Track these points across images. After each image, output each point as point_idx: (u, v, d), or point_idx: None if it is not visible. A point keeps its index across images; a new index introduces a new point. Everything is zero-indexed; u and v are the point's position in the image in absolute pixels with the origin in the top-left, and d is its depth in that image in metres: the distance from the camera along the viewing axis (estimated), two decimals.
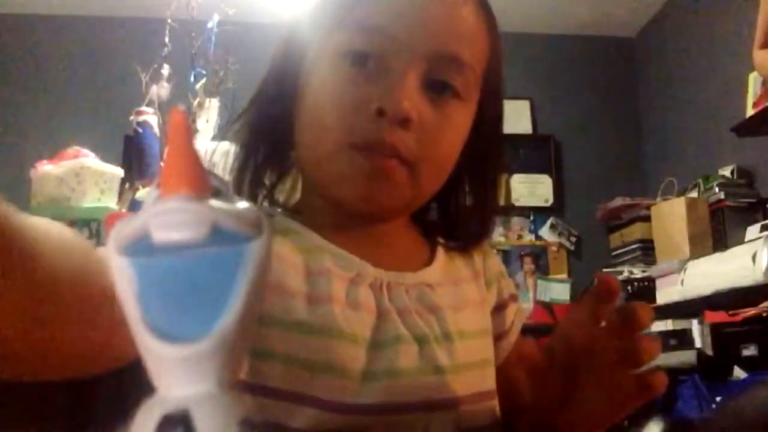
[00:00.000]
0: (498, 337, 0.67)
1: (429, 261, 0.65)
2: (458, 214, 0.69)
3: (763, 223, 2.48)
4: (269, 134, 0.64)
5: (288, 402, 0.52)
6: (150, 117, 2.13)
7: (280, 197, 0.67)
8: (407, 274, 0.61)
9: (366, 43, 0.57)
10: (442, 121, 0.59)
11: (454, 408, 0.57)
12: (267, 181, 0.65)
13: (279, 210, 0.66)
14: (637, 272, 3.10)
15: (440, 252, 0.66)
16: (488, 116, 0.65)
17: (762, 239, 2.22)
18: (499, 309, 0.68)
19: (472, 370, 0.60)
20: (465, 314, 0.62)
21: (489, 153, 0.67)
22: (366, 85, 0.57)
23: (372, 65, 0.57)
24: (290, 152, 0.65)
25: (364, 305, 0.57)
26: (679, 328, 2.60)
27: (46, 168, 1.98)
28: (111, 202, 1.99)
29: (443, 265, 0.65)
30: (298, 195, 0.67)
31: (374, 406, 0.53)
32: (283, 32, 0.66)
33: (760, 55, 2.01)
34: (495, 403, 0.62)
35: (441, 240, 0.68)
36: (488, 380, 0.62)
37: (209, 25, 2.37)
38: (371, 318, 0.57)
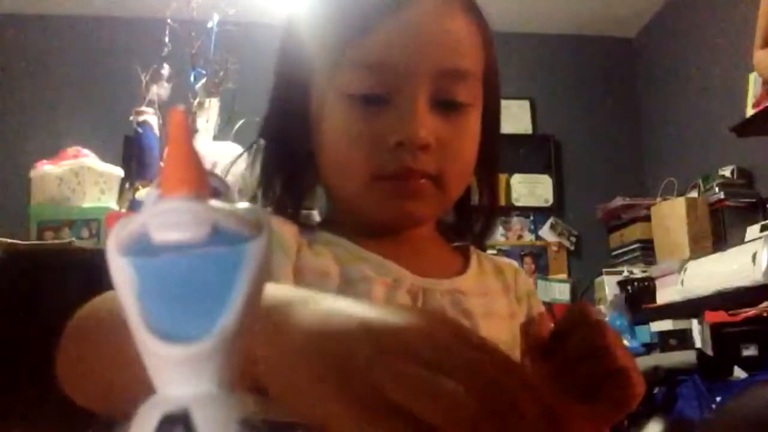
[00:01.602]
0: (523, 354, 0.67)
1: (462, 270, 0.67)
2: (470, 212, 0.72)
3: (763, 223, 2.48)
4: (286, 165, 0.66)
5: None
6: (150, 117, 2.13)
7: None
8: (443, 281, 0.64)
9: (371, 81, 0.59)
10: (458, 134, 0.62)
11: None
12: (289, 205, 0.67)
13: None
14: (637, 272, 3.10)
15: (473, 262, 0.69)
16: (491, 113, 0.68)
17: (762, 239, 2.22)
18: None
19: None
20: (494, 323, 0.64)
21: (493, 149, 0.69)
22: (381, 121, 0.59)
23: (382, 101, 0.59)
24: (308, 180, 0.67)
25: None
26: (679, 328, 2.60)
27: (46, 168, 1.97)
28: (111, 202, 1.98)
29: (475, 275, 0.68)
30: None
31: None
32: (278, 63, 0.68)
33: (759, 55, 2.00)
34: None
35: (473, 248, 0.70)
36: None
37: (209, 25, 2.36)
38: None
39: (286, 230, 0.60)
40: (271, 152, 0.67)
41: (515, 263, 0.75)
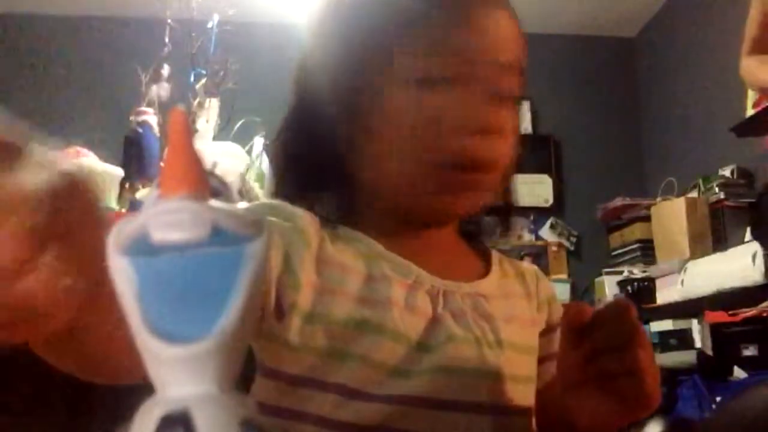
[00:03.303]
0: (544, 359, 0.67)
1: (483, 273, 0.67)
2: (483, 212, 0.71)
3: None
4: (311, 158, 0.64)
5: (336, 394, 0.55)
6: (150, 117, 2.12)
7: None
8: (463, 283, 0.63)
9: (440, 66, 0.59)
10: (512, 126, 0.62)
11: (496, 414, 0.58)
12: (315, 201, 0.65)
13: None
14: (637, 272, 3.10)
15: (495, 266, 0.68)
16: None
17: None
18: (548, 332, 0.69)
19: (517, 382, 0.61)
20: (515, 328, 0.64)
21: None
22: (448, 107, 0.58)
23: (449, 86, 0.59)
24: (336, 173, 0.65)
25: (421, 309, 0.59)
26: (679, 328, 2.60)
27: None
28: (111, 202, 1.98)
29: (497, 278, 0.67)
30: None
31: (415, 398, 0.55)
32: (298, 71, 0.66)
33: (746, 63, 1.97)
34: (531, 421, 0.63)
35: (495, 251, 0.70)
36: (529, 397, 0.63)
37: (209, 25, 2.37)
38: (424, 321, 0.59)
39: (306, 219, 0.59)
40: (295, 145, 0.64)
41: (536, 268, 0.74)
